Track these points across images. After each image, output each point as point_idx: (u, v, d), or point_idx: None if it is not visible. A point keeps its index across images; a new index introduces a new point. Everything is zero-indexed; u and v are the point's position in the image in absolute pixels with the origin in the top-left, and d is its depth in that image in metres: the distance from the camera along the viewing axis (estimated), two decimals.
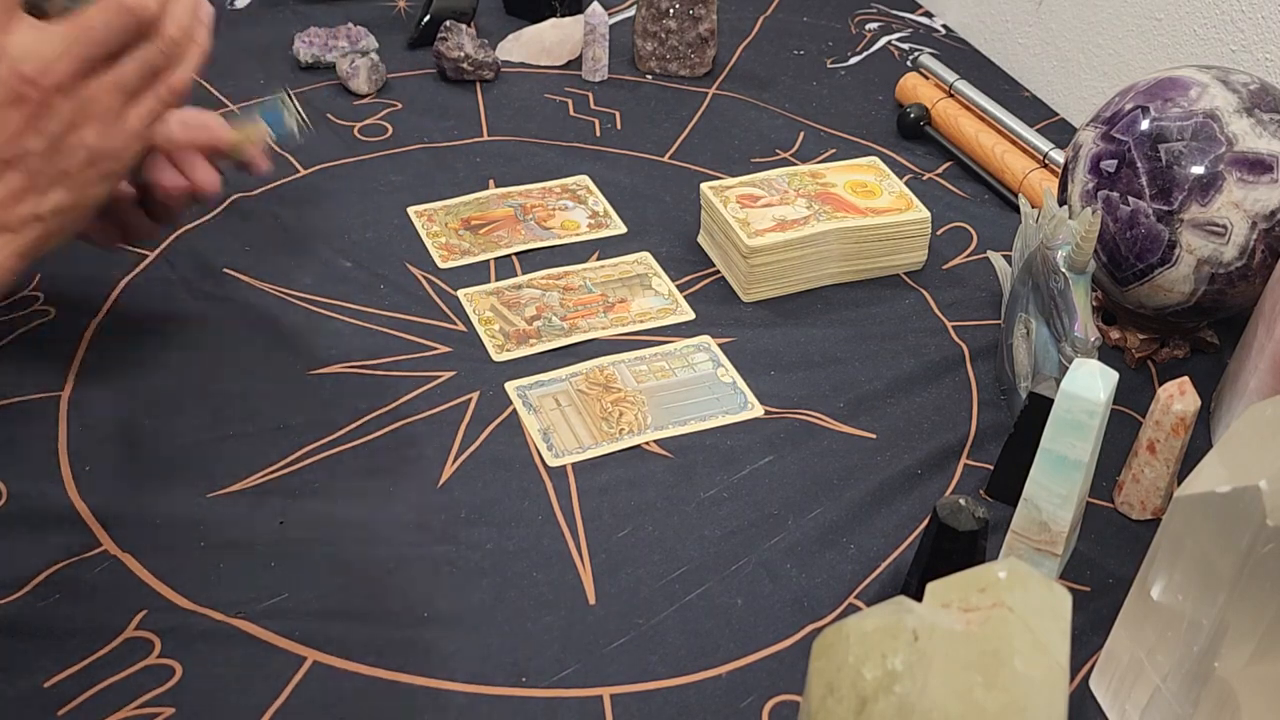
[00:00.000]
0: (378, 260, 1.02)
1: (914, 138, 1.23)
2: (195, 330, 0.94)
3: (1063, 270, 0.85)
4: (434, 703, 0.70)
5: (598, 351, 0.95)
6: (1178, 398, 0.81)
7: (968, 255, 1.08)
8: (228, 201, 1.06)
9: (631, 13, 1.33)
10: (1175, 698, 0.66)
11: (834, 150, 1.20)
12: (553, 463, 0.86)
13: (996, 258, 1.00)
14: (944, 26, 1.44)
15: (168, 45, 0.62)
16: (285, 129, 0.86)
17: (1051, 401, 0.76)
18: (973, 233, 1.11)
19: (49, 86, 0.59)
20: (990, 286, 1.04)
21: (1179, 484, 0.72)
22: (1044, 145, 1.15)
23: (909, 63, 1.34)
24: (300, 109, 0.86)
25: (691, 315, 0.99)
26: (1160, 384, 0.89)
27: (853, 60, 1.36)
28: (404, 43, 1.31)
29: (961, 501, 0.72)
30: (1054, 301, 0.86)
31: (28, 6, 0.60)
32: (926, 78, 1.27)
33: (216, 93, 1.18)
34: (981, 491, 0.86)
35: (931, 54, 1.31)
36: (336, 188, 1.10)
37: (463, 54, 1.24)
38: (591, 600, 0.77)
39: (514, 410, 0.89)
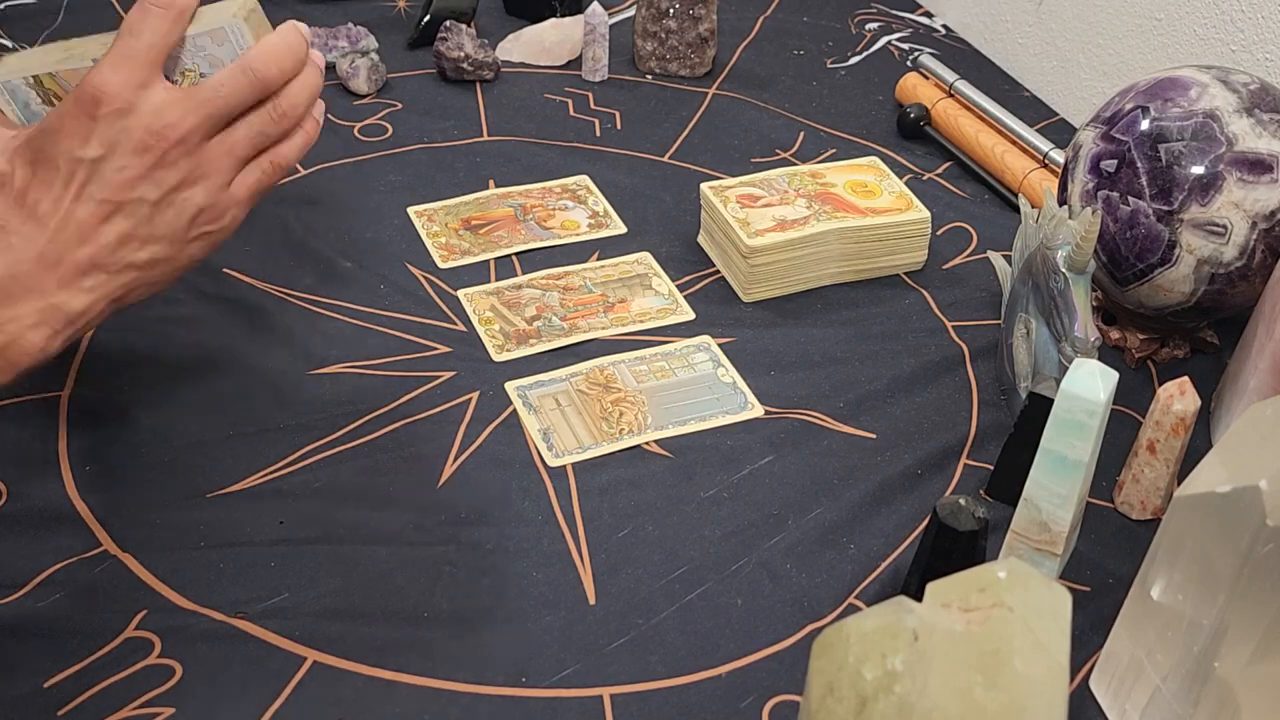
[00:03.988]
0: (378, 260, 1.02)
1: (914, 138, 1.23)
2: (195, 330, 0.94)
3: (1063, 270, 0.85)
4: (434, 703, 0.70)
5: (598, 351, 0.95)
6: (1178, 398, 0.81)
7: (968, 255, 1.08)
8: None
9: (631, 13, 1.33)
10: (1175, 698, 0.66)
11: (834, 150, 1.20)
12: (553, 463, 0.86)
13: (996, 258, 1.00)
14: (944, 26, 1.44)
15: (280, 118, 0.66)
16: None
17: (1051, 401, 0.76)
18: (973, 233, 1.11)
19: (172, 141, 0.63)
20: (990, 286, 1.04)
21: (1179, 484, 0.72)
22: (1044, 145, 1.15)
23: (909, 63, 1.34)
24: None
25: (691, 315, 0.99)
26: (1160, 384, 0.89)
27: (853, 60, 1.36)
28: (404, 43, 1.31)
29: (961, 501, 0.72)
30: (1054, 301, 0.86)
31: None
32: (926, 78, 1.27)
33: None
34: (981, 491, 0.86)
35: (931, 54, 1.31)
36: (336, 188, 1.10)
37: (463, 54, 1.24)
38: (591, 600, 0.77)
39: (514, 410, 0.89)
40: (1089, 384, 0.73)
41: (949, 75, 1.25)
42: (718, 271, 1.04)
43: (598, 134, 1.20)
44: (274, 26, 0.67)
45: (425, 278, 1.01)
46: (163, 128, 0.62)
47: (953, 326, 1.01)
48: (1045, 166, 1.14)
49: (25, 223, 0.62)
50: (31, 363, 0.63)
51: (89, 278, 0.63)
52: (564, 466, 0.86)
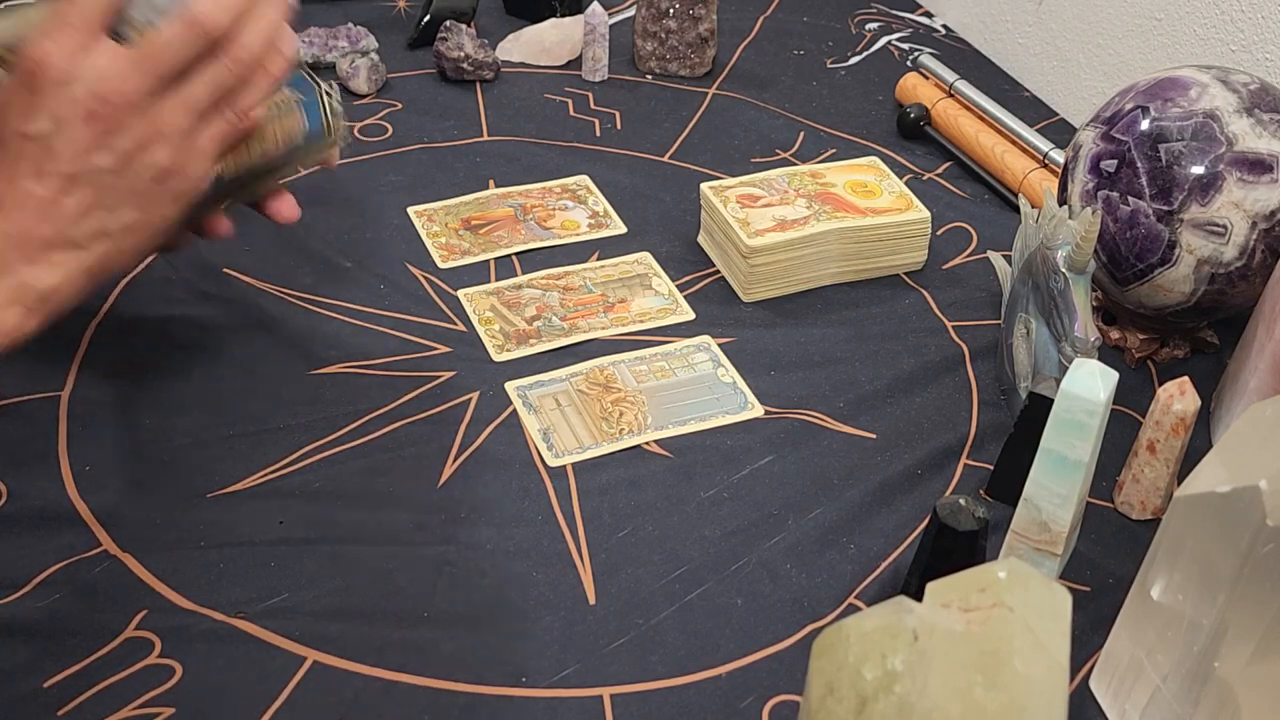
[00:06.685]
0: (378, 260, 1.02)
1: (914, 138, 1.23)
2: (195, 330, 0.94)
3: (1063, 270, 0.85)
4: (434, 703, 0.70)
5: (598, 351, 0.95)
6: (1178, 398, 0.81)
7: (968, 255, 1.08)
8: None
9: (631, 13, 1.33)
10: (1175, 698, 0.66)
11: (834, 150, 1.20)
12: (553, 463, 0.86)
13: (996, 258, 1.00)
14: (944, 26, 1.44)
15: (236, 65, 0.63)
16: (319, 127, 0.74)
17: (1051, 401, 0.76)
18: (973, 233, 1.11)
19: (121, 104, 0.60)
20: (990, 286, 1.04)
21: (1179, 484, 0.72)
22: (1044, 145, 1.15)
23: (909, 63, 1.34)
24: (333, 107, 0.75)
25: (691, 315, 0.99)
26: (1160, 384, 0.89)
27: (853, 60, 1.36)
28: (404, 43, 1.31)
29: (961, 501, 0.72)
30: (1054, 301, 0.86)
31: (108, 33, 0.61)
32: (926, 78, 1.27)
33: None
34: (981, 491, 0.86)
35: (931, 54, 1.31)
36: (336, 188, 1.10)
37: (463, 54, 1.24)
38: (591, 600, 0.77)
39: (514, 410, 0.89)
40: (1089, 384, 0.73)
41: (949, 75, 1.25)
42: (718, 271, 1.04)
43: (598, 134, 1.20)
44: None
45: (425, 278, 1.01)
46: (109, 92, 0.59)
47: (953, 326, 1.01)
48: (1045, 166, 1.14)
49: None
50: (9, 343, 0.61)
51: (58, 253, 0.61)
52: (564, 466, 0.86)
